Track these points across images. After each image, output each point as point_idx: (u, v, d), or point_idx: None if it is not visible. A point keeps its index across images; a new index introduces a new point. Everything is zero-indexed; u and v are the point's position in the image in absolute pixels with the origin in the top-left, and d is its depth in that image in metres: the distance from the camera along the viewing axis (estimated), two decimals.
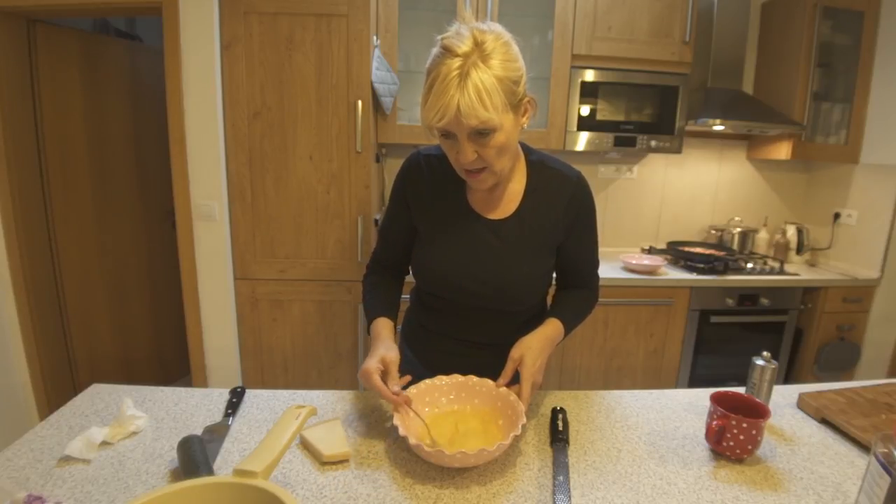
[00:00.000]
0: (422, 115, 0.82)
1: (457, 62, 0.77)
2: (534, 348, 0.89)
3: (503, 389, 0.87)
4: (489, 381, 0.89)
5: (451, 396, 0.90)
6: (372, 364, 0.84)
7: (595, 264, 1.08)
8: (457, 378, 0.91)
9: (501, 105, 0.79)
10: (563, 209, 0.97)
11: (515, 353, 0.88)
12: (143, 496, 0.53)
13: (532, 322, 1.05)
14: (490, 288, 0.95)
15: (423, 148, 1.02)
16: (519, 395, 0.84)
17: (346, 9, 1.84)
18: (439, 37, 0.81)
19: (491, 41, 0.79)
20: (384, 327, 0.95)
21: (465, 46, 0.77)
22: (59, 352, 2.37)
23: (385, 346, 0.89)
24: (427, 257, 0.99)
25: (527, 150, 1.00)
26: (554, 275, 1.08)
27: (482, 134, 0.81)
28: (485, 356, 1.01)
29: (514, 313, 1.01)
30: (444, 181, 0.97)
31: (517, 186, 0.97)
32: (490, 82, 0.77)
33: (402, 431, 0.74)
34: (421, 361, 1.10)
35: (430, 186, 0.99)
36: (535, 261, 0.97)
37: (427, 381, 0.90)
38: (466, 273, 0.95)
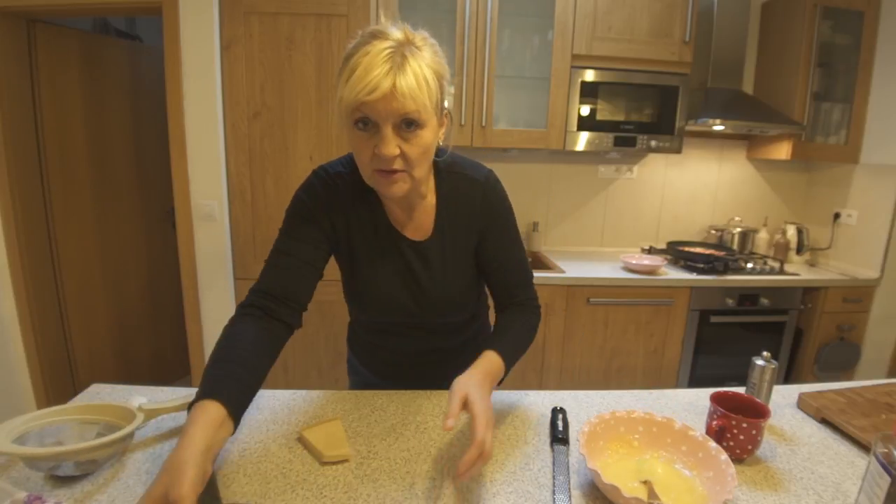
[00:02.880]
0: (341, 94, 0.71)
1: (389, 44, 0.70)
2: (476, 384, 0.73)
3: (695, 434, 0.78)
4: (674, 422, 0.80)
5: (638, 434, 0.82)
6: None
7: (523, 274, 0.96)
8: (641, 414, 0.82)
9: (432, 102, 0.73)
10: (474, 214, 0.90)
11: (459, 390, 0.71)
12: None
13: (479, 313, 1.06)
14: (426, 309, 0.93)
15: (325, 165, 0.90)
16: (473, 434, 0.66)
17: (346, 9, 1.84)
18: (360, 31, 0.74)
19: (420, 40, 0.74)
20: (202, 422, 0.61)
21: (397, 34, 0.72)
22: (59, 352, 2.37)
23: (182, 464, 0.54)
24: (364, 285, 0.92)
25: (436, 154, 0.88)
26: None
27: (409, 127, 0.73)
28: (434, 360, 1.02)
29: (459, 321, 1.01)
30: (359, 200, 0.88)
31: (430, 200, 0.90)
32: (428, 72, 0.72)
33: (604, 479, 0.65)
34: (370, 371, 1.09)
35: (345, 206, 0.89)
36: (461, 276, 0.93)
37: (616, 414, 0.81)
38: (406, 298, 0.92)
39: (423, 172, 0.79)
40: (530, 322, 0.94)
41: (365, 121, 0.72)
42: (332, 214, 0.88)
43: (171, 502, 0.51)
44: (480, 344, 0.86)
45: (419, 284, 0.92)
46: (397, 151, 0.73)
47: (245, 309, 0.82)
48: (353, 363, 1.14)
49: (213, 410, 0.63)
